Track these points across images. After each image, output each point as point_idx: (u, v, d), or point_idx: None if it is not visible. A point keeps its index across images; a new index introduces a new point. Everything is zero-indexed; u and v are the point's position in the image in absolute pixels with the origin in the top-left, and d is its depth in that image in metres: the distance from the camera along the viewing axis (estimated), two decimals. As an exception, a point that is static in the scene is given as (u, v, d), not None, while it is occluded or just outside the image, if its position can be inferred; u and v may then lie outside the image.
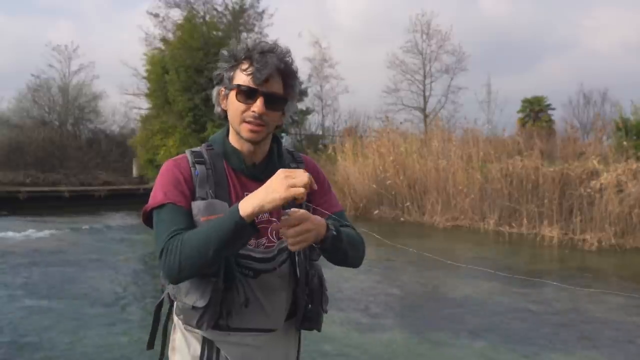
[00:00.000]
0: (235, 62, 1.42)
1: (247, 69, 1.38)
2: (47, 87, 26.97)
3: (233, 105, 1.42)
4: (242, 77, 1.39)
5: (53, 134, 24.76)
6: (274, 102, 1.40)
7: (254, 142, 1.43)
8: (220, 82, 1.46)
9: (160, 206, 1.37)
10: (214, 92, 1.48)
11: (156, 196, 1.39)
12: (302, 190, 1.20)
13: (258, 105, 1.37)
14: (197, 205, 1.37)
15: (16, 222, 13.35)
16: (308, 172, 1.55)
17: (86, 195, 18.68)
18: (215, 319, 1.39)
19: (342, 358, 4.34)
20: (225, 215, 1.27)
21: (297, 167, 1.55)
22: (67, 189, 18.65)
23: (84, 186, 20.05)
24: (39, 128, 24.59)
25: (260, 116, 1.38)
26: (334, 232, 1.35)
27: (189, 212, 1.36)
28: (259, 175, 1.46)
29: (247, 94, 1.38)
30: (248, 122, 1.39)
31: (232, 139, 1.48)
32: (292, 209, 1.27)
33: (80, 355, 4.24)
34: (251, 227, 1.25)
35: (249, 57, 1.39)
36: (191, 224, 1.35)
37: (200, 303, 1.36)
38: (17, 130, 24.08)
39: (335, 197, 1.61)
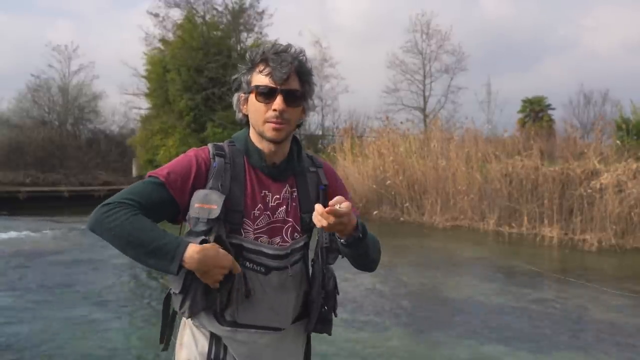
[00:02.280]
0: (251, 66, 1.45)
1: (263, 69, 1.41)
2: (47, 87, 27.03)
3: (254, 107, 1.44)
4: (259, 79, 1.42)
5: (53, 134, 24.78)
6: (293, 99, 1.42)
7: (277, 142, 1.45)
8: (238, 88, 1.49)
9: (157, 177, 1.39)
10: (234, 99, 1.51)
11: (162, 169, 1.42)
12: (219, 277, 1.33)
13: (278, 102, 1.40)
14: (198, 193, 1.39)
15: (16, 222, 13.35)
16: (326, 176, 1.59)
17: (86, 195, 18.68)
18: (199, 307, 1.38)
19: (342, 358, 4.33)
20: (175, 244, 1.29)
21: (317, 171, 1.58)
22: (67, 189, 18.67)
23: (84, 186, 20.08)
24: (38, 128, 24.62)
25: (281, 114, 1.40)
26: (360, 235, 1.39)
27: (169, 199, 1.38)
28: (279, 175, 1.49)
29: (266, 94, 1.41)
30: (270, 122, 1.41)
31: (254, 139, 1.49)
32: (339, 197, 1.32)
33: (82, 355, 4.24)
34: (179, 269, 1.30)
35: (264, 60, 1.42)
36: (155, 210, 1.36)
37: (177, 289, 1.37)
38: (17, 130, 24.11)
39: (352, 205, 1.61)
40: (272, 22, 27.47)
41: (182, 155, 1.47)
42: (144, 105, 23.31)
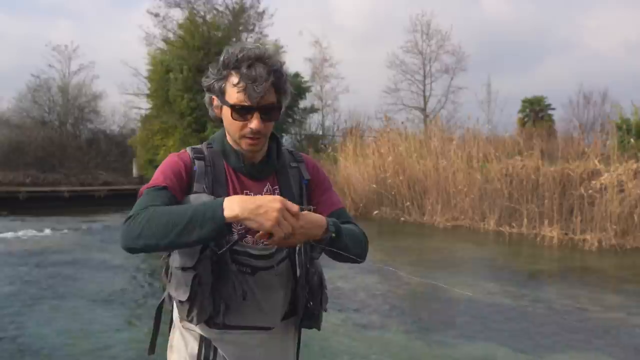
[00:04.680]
0: (224, 73, 1.40)
1: (237, 84, 1.36)
2: (47, 87, 26.96)
3: (230, 121, 1.42)
4: (234, 94, 1.37)
5: (53, 133, 24.78)
6: (270, 113, 1.40)
7: (253, 152, 1.45)
8: (210, 90, 1.45)
9: (155, 185, 1.36)
10: (206, 98, 1.48)
11: (156, 178, 1.39)
12: (281, 236, 1.20)
13: (255, 122, 1.37)
14: (187, 199, 1.37)
15: (16, 222, 13.35)
16: (308, 171, 1.57)
17: (86, 195, 18.70)
18: (207, 313, 1.37)
19: (341, 357, 4.33)
20: (208, 203, 1.24)
21: (298, 167, 1.56)
22: (67, 189, 18.67)
23: (84, 186, 20.08)
24: (39, 128, 24.61)
25: (258, 132, 1.39)
26: (333, 234, 1.33)
27: (176, 201, 1.35)
28: (258, 174, 1.48)
29: (242, 112, 1.38)
30: (247, 138, 1.40)
31: (231, 141, 1.48)
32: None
33: (80, 355, 4.24)
34: (227, 228, 1.21)
35: (237, 69, 1.37)
36: None
37: (183, 297, 1.35)
38: (17, 130, 24.07)
39: (335, 195, 1.61)
40: (272, 22, 27.48)
41: (166, 160, 1.46)
42: (144, 105, 23.34)
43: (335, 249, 1.36)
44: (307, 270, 1.50)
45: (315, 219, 1.29)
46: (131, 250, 1.26)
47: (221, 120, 1.48)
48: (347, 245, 1.39)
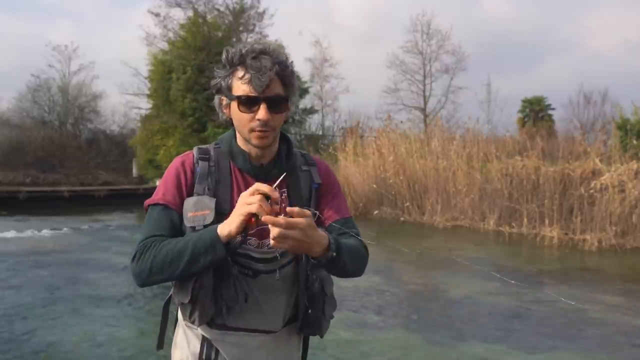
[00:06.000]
0: (230, 70, 1.41)
1: (243, 76, 1.37)
2: (47, 87, 26.99)
3: (237, 116, 1.41)
4: (240, 87, 1.38)
5: (53, 133, 24.80)
6: (277, 105, 1.39)
7: (264, 148, 1.43)
8: (219, 90, 1.45)
9: (156, 204, 1.41)
10: (216, 100, 1.48)
11: (157, 193, 1.44)
12: (254, 206, 1.22)
13: (262, 112, 1.37)
14: (188, 202, 1.39)
15: (16, 222, 13.35)
16: (320, 174, 1.54)
17: (86, 195, 18.70)
18: (208, 315, 1.38)
19: (341, 357, 4.33)
20: (205, 231, 1.31)
21: (309, 170, 1.54)
22: (67, 189, 18.67)
23: (84, 186, 20.08)
24: (39, 128, 24.63)
25: (266, 123, 1.38)
26: (333, 254, 1.32)
27: (178, 217, 1.39)
28: (266, 176, 1.46)
29: (249, 103, 1.38)
30: (256, 131, 1.39)
31: (239, 141, 1.48)
32: (294, 209, 1.25)
33: (81, 355, 4.24)
34: (226, 247, 1.28)
35: (242, 63, 1.38)
36: (175, 231, 1.38)
37: (185, 299, 1.36)
38: (17, 130, 24.08)
39: (344, 202, 1.58)
40: (272, 22, 27.51)
41: (168, 168, 1.47)
42: (144, 105, 23.35)
43: (332, 267, 1.37)
44: (307, 277, 1.49)
45: (318, 238, 1.28)
46: (148, 285, 1.37)
47: (232, 122, 1.47)
48: (345, 263, 1.39)
